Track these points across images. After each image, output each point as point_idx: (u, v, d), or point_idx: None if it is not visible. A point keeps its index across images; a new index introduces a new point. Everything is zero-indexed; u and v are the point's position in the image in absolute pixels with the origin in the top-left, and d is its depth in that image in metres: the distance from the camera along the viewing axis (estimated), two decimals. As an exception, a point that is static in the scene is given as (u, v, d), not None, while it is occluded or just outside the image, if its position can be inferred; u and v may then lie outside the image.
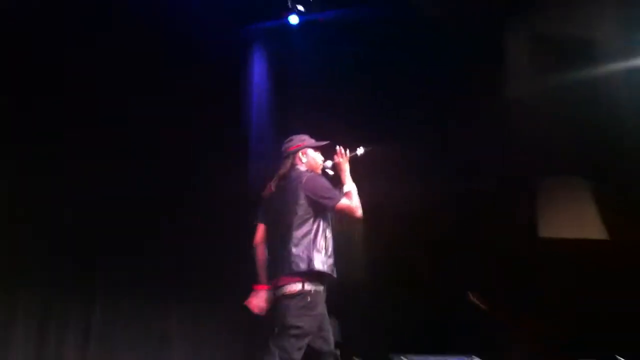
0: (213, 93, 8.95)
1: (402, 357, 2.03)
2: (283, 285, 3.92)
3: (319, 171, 4.28)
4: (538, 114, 9.89)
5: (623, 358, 6.17)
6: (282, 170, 4.23)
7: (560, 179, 10.35)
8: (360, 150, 4.32)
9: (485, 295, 9.33)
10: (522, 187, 10.20)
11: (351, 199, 4.03)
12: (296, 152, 4.28)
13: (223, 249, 8.53)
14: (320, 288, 3.92)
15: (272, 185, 4.22)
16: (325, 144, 4.35)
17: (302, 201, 3.96)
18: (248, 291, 8.43)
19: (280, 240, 4.00)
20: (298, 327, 3.85)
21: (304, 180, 4.04)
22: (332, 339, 4.05)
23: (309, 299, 3.87)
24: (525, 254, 9.83)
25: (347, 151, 4.28)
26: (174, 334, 8.38)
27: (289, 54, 9.55)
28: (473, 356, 2.64)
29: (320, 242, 3.92)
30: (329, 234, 4.03)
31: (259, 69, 9.42)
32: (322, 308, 3.95)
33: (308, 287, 3.85)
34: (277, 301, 3.99)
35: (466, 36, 9.86)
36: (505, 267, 9.77)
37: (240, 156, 9.14)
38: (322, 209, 3.96)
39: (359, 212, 4.01)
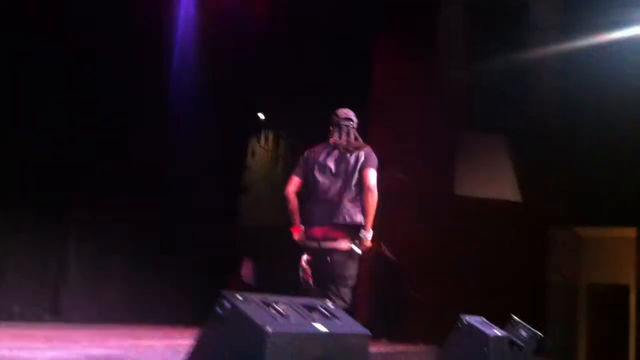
0: (140, 34, 8.71)
1: (238, 296, 2.04)
2: (334, 239, 4.42)
3: None
4: (469, 87, 10.10)
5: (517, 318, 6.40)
6: (346, 138, 4.67)
7: (478, 138, 10.55)
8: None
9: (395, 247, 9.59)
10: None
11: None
12: (354, 127, 4.71)
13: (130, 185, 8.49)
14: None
15: (334, 148, 4.63)
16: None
17: (359, 168, 4.49)
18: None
19: (334, 195, 4.49)
20: (353, 277, 4.49)
21: (366, 152, 4.56)
22: None
23: (355, 255, 4.44)
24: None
25: None
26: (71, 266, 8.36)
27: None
28: (327, 300, 2.70)
29: (360, 209, 4.43)
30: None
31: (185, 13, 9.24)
32: None
33: (354, 245, 4.39)
34: (325, 252, 4.43)
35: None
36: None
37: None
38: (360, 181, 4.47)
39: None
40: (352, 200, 4.48)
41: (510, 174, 10.59)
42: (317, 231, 4.48)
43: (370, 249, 4.56)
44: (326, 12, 9.96)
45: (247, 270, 10.33)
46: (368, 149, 4.65)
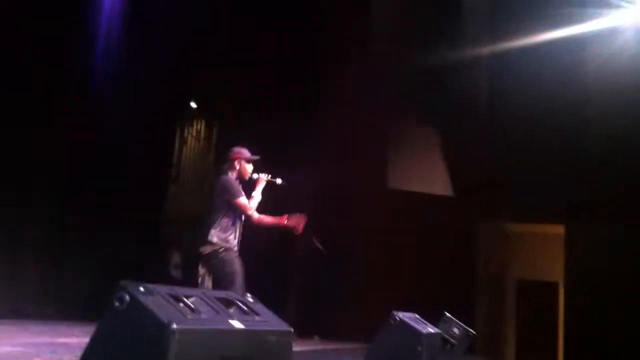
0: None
1: (139, 287, 1.81)
2: (203, 250, 5.40)
3: (247, 178, 5.62)
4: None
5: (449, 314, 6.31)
6: (219, 171, 5.69)
7: (410, 133, 10.52)
8: (278, 180, 5.68)
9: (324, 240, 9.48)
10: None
11: (249, 202, 5.49)
12: (233, 160, 5.58)
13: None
14: (224, 248, 5.41)
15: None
16: (257, 158, 5.67)
17: (216, 195, 5.50)
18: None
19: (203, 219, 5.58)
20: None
21: (219, 181, 5.56)
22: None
23: (223, 254, 5.34)
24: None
25: (269, 175, 5.69)
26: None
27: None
28: (247, 294, 2.50)
29: (222, 223, 5.40)
30: (233, 219, 5.47)
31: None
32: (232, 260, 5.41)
33: (217, 247, 5.35)
34: (204, 259, 5.39)
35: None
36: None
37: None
38: (226, 201, 5.45)
39: (250, 212, 5.49)
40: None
41: (441, 169, 10.60)
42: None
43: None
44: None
45: (177, 265, 9.96)
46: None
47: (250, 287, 4.93)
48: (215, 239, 5.38)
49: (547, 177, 10.02)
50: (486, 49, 10.25)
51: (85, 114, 8.32)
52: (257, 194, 5.56)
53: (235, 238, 5.49)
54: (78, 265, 8.28)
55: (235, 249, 5.48)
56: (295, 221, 5.63)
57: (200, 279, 5.56)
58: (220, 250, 5.37)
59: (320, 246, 9.41)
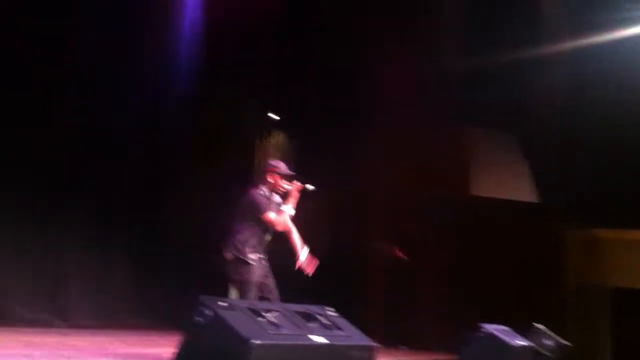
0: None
1: (220, 302, 1.83)
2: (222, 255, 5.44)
3: (280, 192, 5.59)
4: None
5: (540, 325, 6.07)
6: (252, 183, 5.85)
7: (489, 137, 10.24)
8: (310, 187, 5.59)
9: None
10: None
11: (278, 216, 5.43)
12: (266, 173, 5.61)
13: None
14: (237, 258, 5.36)
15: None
16: (292, 174, 5.63)
17: (241, 206, 5.51)
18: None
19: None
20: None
21: (247, 194, 5.54)
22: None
23: (232, 265, 5.34)
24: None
25: (300, 184, 5.57)
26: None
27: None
28: (325, 307, 2.47)
29: (242, 235, 5.38)
30: (255, 233, 5.42)
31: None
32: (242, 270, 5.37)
33: (230, 256, 5.36)
34: (221, 265, 5.43)
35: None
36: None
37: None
38: (251, 215, 5.45)
39: (279, 227, 5.44)
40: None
41: (525, 174, 10.25)
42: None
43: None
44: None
45: None
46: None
47: (323, 300, 4.79)
48: (230, 248, 5.37)
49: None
50: (567, 46, 9.81)
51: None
52: (288, 208, 5.49)
53: (254, 252, 5.39)
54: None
55: (253, 263, 5.35)
56: (307, 263, 5.46)
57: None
58: (233, 260, 5.35)
59: (401, 255, 9.33)
